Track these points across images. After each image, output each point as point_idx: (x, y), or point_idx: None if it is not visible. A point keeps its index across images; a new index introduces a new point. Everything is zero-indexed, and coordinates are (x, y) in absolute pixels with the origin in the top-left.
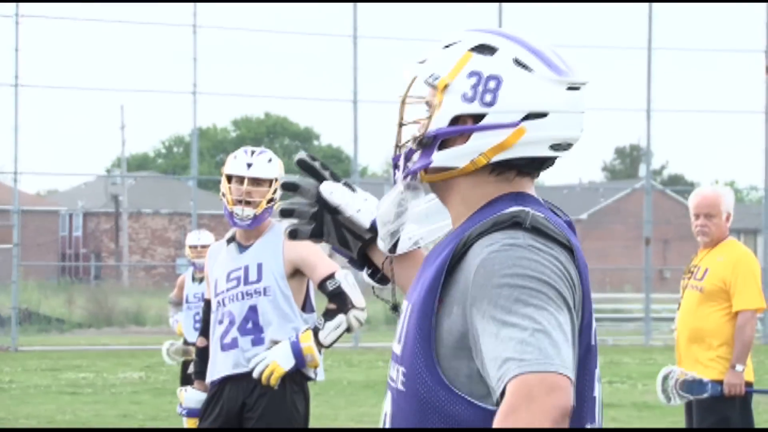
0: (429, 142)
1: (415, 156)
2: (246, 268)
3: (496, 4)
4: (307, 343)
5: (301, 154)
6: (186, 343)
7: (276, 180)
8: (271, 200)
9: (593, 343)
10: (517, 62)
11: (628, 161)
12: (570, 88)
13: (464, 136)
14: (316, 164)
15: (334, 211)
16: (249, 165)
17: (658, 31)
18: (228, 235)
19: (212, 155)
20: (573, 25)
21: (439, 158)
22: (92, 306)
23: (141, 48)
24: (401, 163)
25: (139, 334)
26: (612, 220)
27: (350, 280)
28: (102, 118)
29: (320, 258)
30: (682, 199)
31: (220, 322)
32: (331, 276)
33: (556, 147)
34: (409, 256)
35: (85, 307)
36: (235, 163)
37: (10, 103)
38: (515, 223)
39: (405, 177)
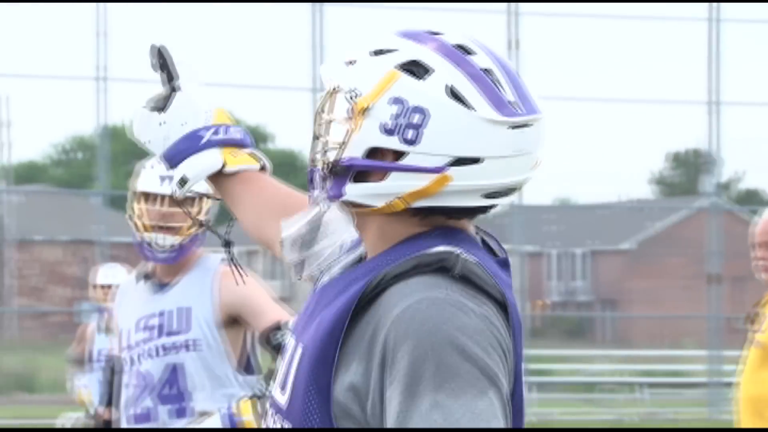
0: (342, 171)
1: (328, 184)
2: (167, 315)
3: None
4: (248, 416)
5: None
6: (92, 415)
7: (206, 198)
8: (199, 224)
9: (522, 409)
10: (452, 93)
11: (687, 172)
12: (515, 127)
13: (382, 171)
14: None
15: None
16: (169, 179)
17: None
18: (139, 270)
19: (125, 162)
20: None
21: (353, 192)
22: None
23: (31, 22)
24: (317, 181)
25: (30, 403)
26: (666, 251)
27: None
28: None
29: (267, 302)
30: None
31: (131, 385)
32: (278, 326)
33: (493, 195)
34: (239, 177)
35: None
36: (151, 175)
37: None
38: (441, 268)
39: (325, 199)
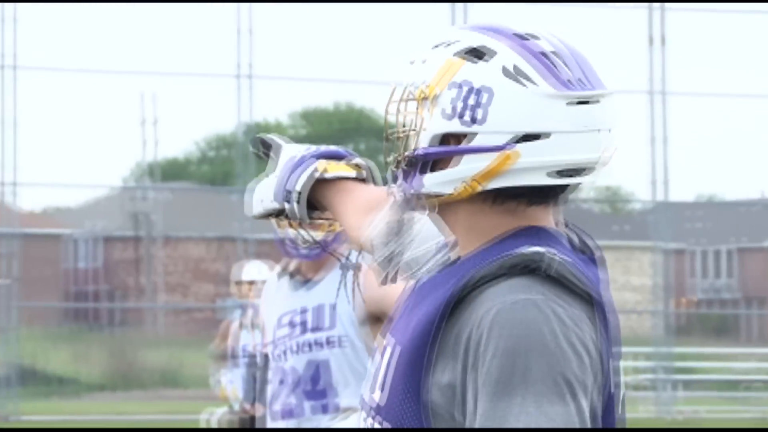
0: (414, 163)
1: (404, 178)
2: (312, 311)
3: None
4: None
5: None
6: (237, 411)
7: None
8: (319, 246)
9: (620, 416)
10: (512, 72)
11: None
12: (578, 103)
13: (452, 158)
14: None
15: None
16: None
17: None
18: (282, 266)
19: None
20: None
21: (429, 182)
22: (111, 362)
23: (173, 21)
24: (397, 179)
25: (174, 399)
26: None
27: None
28: (123, 112)
29: None
30: None
31: (279, 381)
32: None
33: (563, 173)
34: (336, 186)
35: (102, 364)
36: None
37: (7, 90)
38: (530, 269)
39: (404, 196)
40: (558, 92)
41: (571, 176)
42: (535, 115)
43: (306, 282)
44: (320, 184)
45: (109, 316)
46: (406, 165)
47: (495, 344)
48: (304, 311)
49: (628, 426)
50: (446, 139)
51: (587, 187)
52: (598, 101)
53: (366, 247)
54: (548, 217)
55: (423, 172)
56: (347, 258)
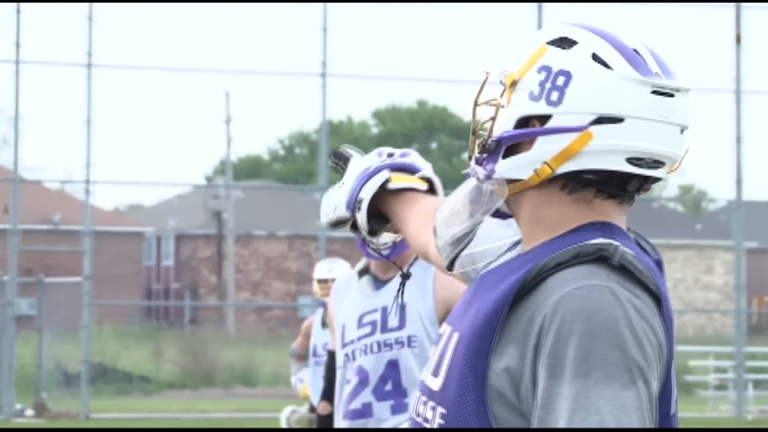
0: (493, 148)
1: (483, 164)
2: (384, 311)
3: (535, 4)
4: None
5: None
6: (313, 409)
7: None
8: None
9: (673, 411)
10: (595, 57)
11: None
12: (658, 93)
13: (530, 141)
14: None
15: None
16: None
17: None
18: (359, 266)
19: None
20: None
21: (503, 167)
22: (186, 360)
23: (251, 19)
24: (473, 168)
25: (249, 397)
26: None
27: None
28: (201, 110)
29: None
30: None
31: (348, 381)
32: None
33: (636, 162)
34: (402, 197)
35: (177, 362)
36: None
37: (81, 88)
38: (600, 258)
39: (479, 181)
40: (643, 78)
41: (650, 167)
42: (617, 98)
43: (380, 282)
44: (387, 194)
45: (186, 313)
46: (486, 150)
47: (561, 328)
48: (376, 311)
49: (707, 426)
50: (529, 123)
51: (672, 185)
52: (679, 95)
53: (429, 254)
54: (619, 216)
55: (497, 158)
56: (411, 265)
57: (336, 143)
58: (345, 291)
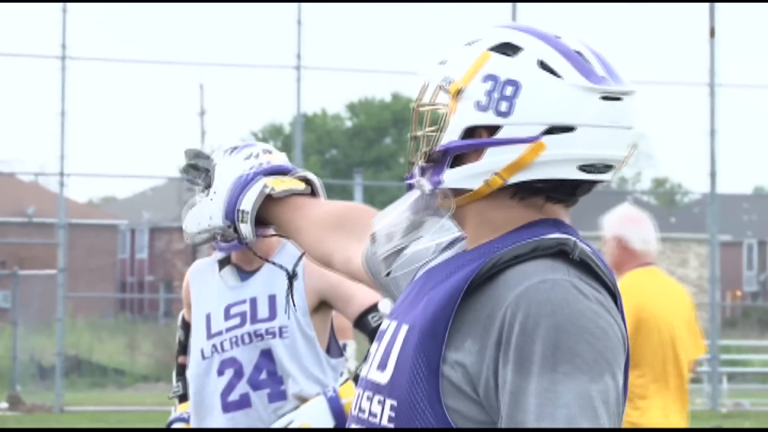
0: (439, 158)
1: (428, 174)
2: (253, 302)
3: (510, 4)
4: (348, 398)
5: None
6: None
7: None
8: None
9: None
10: (542, 65)
11: None
12: (607, 98)
13: (478, 151)
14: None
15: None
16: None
17: None
18: (218, 255)
19: (320, 152)
20: None
21: (450, 177)
22: (161, 353)
23: (226, 12)
24: (416, 174)
25: None
26: None
27: None
28: (175, 102)
29: (354, 285)
30: None
31: (220, 373)
32: (374, 308)
33: (587, 168)
34: (286, 203)
35: (152, 355)
36: None
37: (55, 80)
38: (561, 252)
39: (426, 192)
40: (592, 85)
41: (600, 172)
42: (568, 107)
43: (245, 273)
44: (270, 201)
45: (160, 305)
46: (432, 159)
47: (525, 322)
48: (250, 302)
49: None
50: (475, 133)
51: (645, 178)
52: (627, 98)
53: (329, 259)
54: (565, 216)
55: (443, 168)
56: (294, 267)
57: (310, 136)
58: (203, 277)
